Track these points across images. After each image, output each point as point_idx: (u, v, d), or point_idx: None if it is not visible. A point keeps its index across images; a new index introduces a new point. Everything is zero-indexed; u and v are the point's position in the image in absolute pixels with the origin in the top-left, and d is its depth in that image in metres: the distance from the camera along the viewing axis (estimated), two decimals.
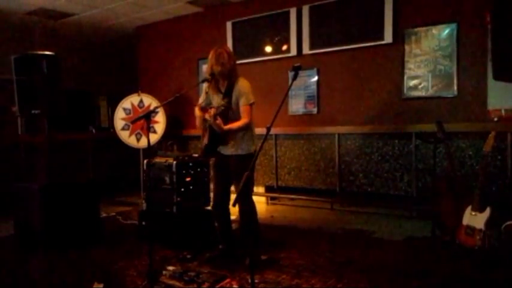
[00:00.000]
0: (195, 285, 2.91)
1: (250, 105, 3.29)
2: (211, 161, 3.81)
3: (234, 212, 3.45)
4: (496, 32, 3.13)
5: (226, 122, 3.22)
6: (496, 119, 4.23)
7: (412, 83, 4.72)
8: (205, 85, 3.49)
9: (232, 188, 3.53)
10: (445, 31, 4.51)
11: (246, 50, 5.80)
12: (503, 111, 4.20)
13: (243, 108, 3.27)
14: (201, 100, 3.57)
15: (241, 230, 3.49)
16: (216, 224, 3.60)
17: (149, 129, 3.06)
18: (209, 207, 4.06)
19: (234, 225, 3.77)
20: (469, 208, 3.41)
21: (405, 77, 4.76)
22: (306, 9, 5.30)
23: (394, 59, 4.83)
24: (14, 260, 3.71)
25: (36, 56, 4.00)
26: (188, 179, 3.95)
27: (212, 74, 3.28)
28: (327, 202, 5.38)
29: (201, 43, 6.27)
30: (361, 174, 5.08)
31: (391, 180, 4.89)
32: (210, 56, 3.30)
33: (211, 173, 3.91)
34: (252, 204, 3.35)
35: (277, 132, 5.59)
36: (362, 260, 3.44)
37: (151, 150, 4.61)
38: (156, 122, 5.95)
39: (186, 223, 3.86)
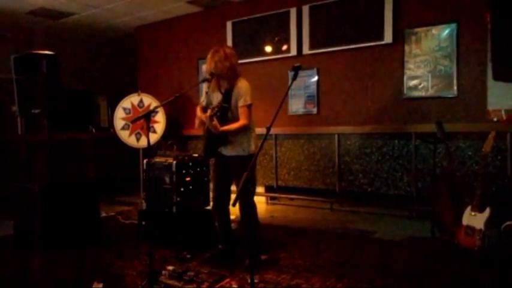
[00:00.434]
0: (195, 285, 2.91)
1: (248, 106, 3.28)
2: (211, 160, 3.81)
3: (234, 211, 3.45)
4: (495, 32, 3.13)
5: (224, 123, 3.22)
6: (495, 119, 4.23)
7: (412, 83, 4.72)
8: (205, 85, 3.49)
9: (233, 188, 3.53)
10: (445, 31, 4.51)
11: (246, 49, 5.80)
12: (503, 112, 4.20)
13: (241, 110, 3.26)
14: (201, 100, 3.57)
15: (241, 230, 3.49)
16: (215, 224, 3.59)
17: (149, 129, 3.06)
18: (209, 207, 4.06)
19: (234, 225, 3.77)
20: (469, 208, 3.41)
21: (405, 77, 4.77)
22: (306, 9, 5.31)
23: (394, 59, 4.83)
24: (13, 260, 3.71)
25: (36, 55, 4.00)
26: (188, 179, 3.95)
27: (212, 74, 3.27)
28: (326, 202, 5.38)
29: (201, 43, 6.27)
30: (361, 174, 5.08)
31: (390, 180, 4.89)
32: (208, 55, 3.30)
33: (211, 172, 3.91)
34: (252, 205, 3.34)
35: (277, 132, 5.59)
36: (362, 260, 3.44)
37: (151, 150, 4.62)
38: (156, 122, 5.95)
39: (185, 223, 3.86)
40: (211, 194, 3.85)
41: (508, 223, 3.25)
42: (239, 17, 5.89)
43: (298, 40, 5.40)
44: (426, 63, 4.63)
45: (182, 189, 3.89)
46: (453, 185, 3.77)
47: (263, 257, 3.40)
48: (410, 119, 4.75)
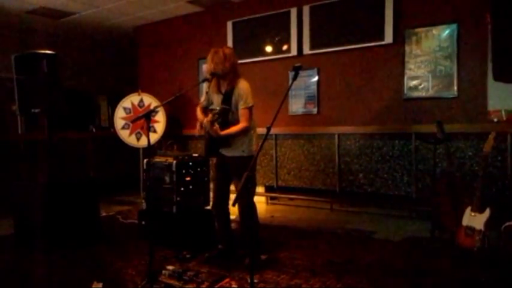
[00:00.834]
0: (194, 285, 2.91)
1: (249, 108, 3.28)
2: (212, 160, 3.81)
3: (234, 211, 3.45)
4: (496, 33, 3.13)
5: (226, 125, 3.22)
6: (496, 120, 4.23)
7: (413, 83, 4.72)
8: (205, 85, 3.49)
9: (233, 188, 3.53)
10: (445, 32, 4.51)
11: (247, 50, 5.80)
12: (503, 112, 4.20)
13: (242, 112, 3.26)
14: (202, 99, 3.57)
15: (241, 230, 3.50)
16: (215, 224, 3.59)
17: (149, 129, 3.06)
18: (209, 207, 4.06)
19: (234, 225, 3.77)
20: (469, 209, 3.41)
21: (405, 78, 4.76)
22: (306, 9, 5.31)
23: (394, 59, 4.83)
24: (13, 258, 3.71)
25: (37, 55, 4.00)
26: (188, 179, 3.95)
27: (212, 74, 3.27)
28: (326, 202, 5.38)
29: (202, 43, 6.27)
30: (361, 175, 5.08)
31: (391, 180, 4.89)
32: (207, 57, 3.31)
33: (211, 172, 3.91)
34: (252, 205, 3.34)
35: (277, 132, 5.59)
36: (361, 260, 3.44)
37: (151, 150, 4.62)
38: (156, 122, 5.95)
39: (185, 223, 3.86)
40: (211, 194, 3.85)
41: (508, 224, 3.25)
42: (239, 17, 5.89)
43: (298, 40, 5.40)
44: (426, 63, 4.63)
45: (182, 189, 3.89)
46: (453, 186, 3.77)
47: (263, 257, 3.40)
48: (411, 119, 4.75)
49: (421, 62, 4.66)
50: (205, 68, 3.34)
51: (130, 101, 5.89)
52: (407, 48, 4.74)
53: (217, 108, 3.21)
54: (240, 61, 5.00)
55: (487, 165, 3.47)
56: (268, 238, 3.95)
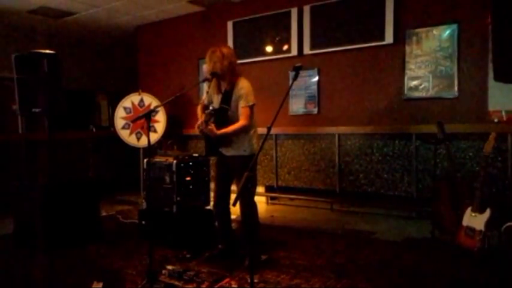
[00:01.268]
0: (195, 285, 2.92)
1: (250, 107, 3.27)
2: (212, 160, 3.81)
3: (235, 211, 3.45)
4: (496, 33, 3.13)
5: (224, 124, 3.21)
6: (496, 120, 4.22)
7: (413, 83, 4.72)
8: (206, 84, 3.49)
9: (234, 188, 3.53)
10: (445, 32, 4.51)
11: (247, 49, 5.80)
12: (503, 113, 4.20)
13: (242, 110, 3.26)
14: (203, 98, 3.57)
15: (242, 229, 3.49)
16: (216, 224, 3.59)
17: (149, 129, 3.06)
18: (209, 207, 4.06)
19: (234, 225, 3.77)
20: (469, 209, 3.41)
21: (406, 78, 4.76)
22: (307, 9, 5.30)
23: (394, 59, 4.82)
24: (13, 258, 3.71)
25: (37, 54, 3.99)
26: (188, 179, 3.95)
27: (212, 73, 3.27)
28: (326, 202, 5.38)
29: (202, 43, 6.26)
30: (361, 175, 5.08)
31: (391, 180, 4.89)
32: (206, 57, 3.31)
33: (212, 172, 3.91)
34: (253, 205, 3.34)
35: (278, 132, 5.59)
36: (361, 260, 3.44)
37: (151, 150, 4.62)
38: (157, 121, 5.95)
39: (185, 222, 3.86)
40: (212, 194, 3.85)
41: (508, 224, 3.25)
42: (240, 16, 5.89)
43: (299, 40, 5.40)
44: (427, 63, 4.63)
45: (182, 188, 3.89)
46: (453, 186, 3.77)
47: (263, 257, 3.40)
48: (411, 119, 4.75)
49: (421, 62, 4.66)
50: (205, 68, 3.34)
51: (131, 100, 5.89)
52: (407, 49, 4.73)
53: (214, 107, 3.21)
54: (240, 61, 5.00)
55: (487, 166, 3.47)
56: (268, 238, 3.95)
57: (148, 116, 2.99)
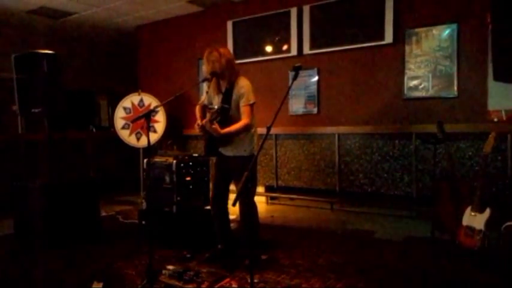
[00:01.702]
0: (195, 285, 2.92)
1: (251, 105, 3.27)
2: (212, 160, 3.81)
3: (235, 211, 3.45)
4: (496, 33, 3.13)
5: (226, 123, 3.22)
6: (496, 120, 4.23)
7: (413, 83, 4.72)
8: (206, 84, 3.49)
9: (233, 188, 3.53)
10: (445, 32, 4.51)
11: (247, 49, 5.80)
12: (503, 112, 4.20)
13: (243, 109, 3.25)
14: (203, 98, 3.57)
15: (242, 229, 3.49)
16: (214, 224, 3.58)
17: (149, 129, 3.06)
18: (209, 207, 4.05)
19: (234, 225, 3.77)
20: (469, 209, 3.41)
21: (405, 78, 4.77)
22: (306, 9, 5.31)
23: (394, 59, 4.83)
24: (13, 258, 3.71)
25: (37, 54, 4.00)
26: (188, 179, 3.95)
27: (212, 73, 3.27)
28: (326, 202, 5.38)
29: (202, 42, 6.26)
30: (361, 175, 5.09)
31: (391, 180, 4.89)
32: (203, 58, 3.31)
33: (212, 172, 3.91)
34: (253, 205, 3.34)
35: (278, 132, 5.59)
36: (362, 260, 3.44)
37: (151, 150, 4.61)
38: (156, 122, 5.95)
39: (185, 222, 3.86)
40: (210, 194, 3.85)
41: (508, 223, 3.25)
42: (239, 16, 5.89)
43: (298, 40, 5.40)
44: (427, 63, 4.63)
45: (182, 188, 3.89)
46: (453, 186, 3.77)
47: (263, 257, 3.40)
48: (411, 119, 4.75)
49: (421, 62, 4.67)
50: (204, 69, 3.33)
51: (131, 100, 5.89)
52: (407, 48, 4.74)
53: (219, 106, 3.21)
54: (240, 61, 5.00)
55: (487, 165, 3.47)
56: (268, 238, 3.95)
57: (148, 116, 2.99)
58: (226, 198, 3.50)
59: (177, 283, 2.93)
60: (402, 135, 4.81)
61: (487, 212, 3.29)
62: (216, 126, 3.11)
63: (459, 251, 3.37)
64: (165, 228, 3.88)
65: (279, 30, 5.57)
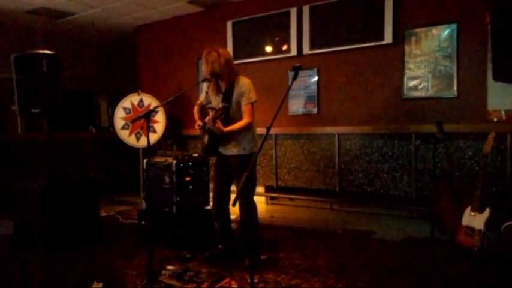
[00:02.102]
0: (195, 285, 2.91)
1: (252, 103, 3.28)
2: (211, 160, 3.81)
3: (235, 211, 3.45)
4: (495, 33, 3.13)
5: (227, 123, 3.22)
6: (495, 120, 4.23)
7: (412, 83, 4.73)
8: (205, 85, 3.50)
9: (233, 188, 3.53)
10: (445, 32, 4.51)
11: (246, 50, 5.80)
12: (503, 112, 4.20)
13: (245, 108, 3.26)
14: (201, 98, 3.57)
15: (241, 229, 3.49)
16: (215, 224, 3.59)
17: (149, 129, 3.06)
18: (209, 207, 4.06)
19: (234, 225, 3.77)
20: (469, 209, 3.41)
21: (405, 78, 4.77)
22: (306, 9, 5.31)
23: (394, 59, 4.83)
24: (13, 259, 3.70)
25: (36, 55, 4.00)
26: (188, 179, 3.95)
27: (212, 74, 3.27)
28: (326, 202, 5.38)
29: (201, 43, 6.24)
30: (361, 175, 5.09)
31: (390, 180, 4.89)
32: (202, 59, 3.31)
33: (212, 172, 3.91)
34: (252, 205, 3.34)
35: (277, 132, 5.59)
36: (361, 260, 3.44)
37: (151, 150, 4.61)
38: (156, 122, 5.95)
39: (185, 223, 3.86)
40: (211, 194, 3.85)
41: (507, 223, 3.26)
42: (239, 16, 5.89)
43: (298, 40, 5.40)
44: (426, 63, 4.63)
45: (182, 189, 3.89)
46: (453, 186, 3.77)
47: (263, 257, 3.40)
48: (411, 119, 4.76)
49: (420, 62, 4.67)
50: (204, 69, 3.34)
51: (130, 101, 5.89)
52: (407, 48, 4.74)
53: (219, 106, 3.21)
54: (239, 61, 4.99)
55: (486, 165, 3.48)
56: (268, 238, 3.95)
57: (148, 116, 2.99)
58: (228, 199, 3.50)
59: (177, 283, 2.93)
60: (402, 135, 4.81)
61: (487, 212, 3.29)
62: (219, 124, 3.12)
63: (459, 251, 3.38)
64: (165, 228, 3.88)
65: (278, 31, 5.57)
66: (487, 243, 3.25)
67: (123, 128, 5.83)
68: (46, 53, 3.98)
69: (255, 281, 2.92)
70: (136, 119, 3.32)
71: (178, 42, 6.71)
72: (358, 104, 5.11)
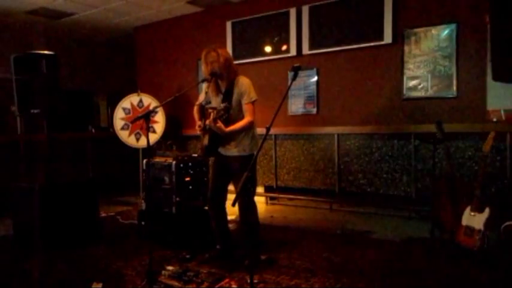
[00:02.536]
0: (194, 285, 2.91)
1: (253, 102, 3.28)
2: (211, 160, 3.81)
3: (234, 211, 3.45)
4: (495, 33, 3.14)
5: (227, 123, 3.22)
6: (495, 120, 4.23)
7: (412, 83, 4.73)
8: (205, 85, 3.49)
9: (233, 188, 3.52)
10: (444, 31, 4.52)
11: (246, 50, 5.80)
12: (502, 112, 4.21)
13: (246, 107, 3.26)
14: (200, 98, 3.57)
15: (241, 229, 3.49)
16: (212, 224, 3.56)
17: (148, 129, 3.06)
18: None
19: (233, 225, 3.77)
20: (468, 208, 3.41)
21: (405, 78, 4.77)
22: (305, 10, 5.31)
23: (393, 59, 4.83)
24: (12, 259, 3.70)
25: (36, 55, 4.00)
26: (187, 179, 3.95)
27: (211, 74, 3.27)
28: (326, 202, 5.38)
29: (201, 43, 6.25)
30: (361, 175, 5.09)
31: (390, 180, 4.89)
32: (201, 59, 3.31)
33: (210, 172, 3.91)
34: (252, 205, 3.34)
35: (277, 132, 5.59)
36: (361, 260, 3.44)
37: (150, 150, 4.61)
38: (156, 122, 5.95)
39: (185, 223, 3.86)
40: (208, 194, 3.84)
41: (507, 223, 3.26)
42: (239, 17, 5.89)
43: (297, 40, 5.40)
44: (426, 63, 4.63)
45: (182, 189, 3.89)
46: (453, 185, 3.77)
47: (263, 257, 3.40)
48: (410, 119, 4.76)
49: (420, 62, 4.67)
50: (203, 69, 3.33)
51: (130, 101, 5.89)
52: (406, 48, 4.74)
53: (220, 106, 3.21)
54: (239, 61, 4.98)
55: (486, 165, 3.47)
56: (268, 238, 3.95)
57: (148, 116, 2.99)
58: (224, 199, 3.49)
59: (176, 283, 2.93)
60: (401, 135, 4.81)
61: (487, 211, 3.29)
62: (220, 124, 3.11)
63: (458, 251, 3.38)
64: (164, 228, 3.88)
65: (278, 31, 5.57)
66: (486, 243, 3.25)
67: (122, 128, 5.83)
68: (45, 54, 3.98)
69: (255, 281, 2.92)
70: (135, 119, 3.31)
71: (178, 43, 6.71)
72: (357, 104, 5.11)
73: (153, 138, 5.90)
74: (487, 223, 3.27)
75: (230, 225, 3.67)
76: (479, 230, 3.27)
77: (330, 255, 3.58)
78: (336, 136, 5.23)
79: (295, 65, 2.67)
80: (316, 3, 5.23)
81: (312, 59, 5.36)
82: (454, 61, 4.46)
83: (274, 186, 5.78)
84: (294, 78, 2.68)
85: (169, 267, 3.15)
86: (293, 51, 5.44)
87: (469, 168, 4.38)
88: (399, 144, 4.83)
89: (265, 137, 2.37)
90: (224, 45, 5.76)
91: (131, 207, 5.74)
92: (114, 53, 8.32)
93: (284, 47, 5.54)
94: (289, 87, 2.85)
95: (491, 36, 3.25)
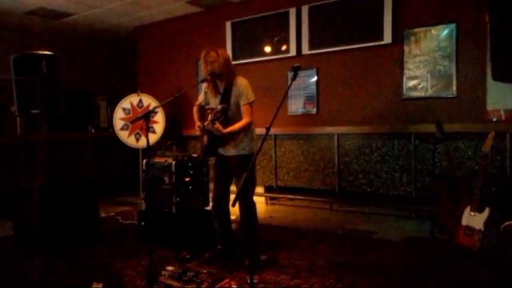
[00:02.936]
0: (194, 285, 2.91)
1: (251, 103, 3.28)
2: (211, 161, 3.81)
3: (234, 212, 3.45)
4: (494, 33, 3.14)
5: (226, 123, 3.22)
6: (495, 119, 4.23)
7: (412, 83, 4.73)
8: (204, 85, 3.50)
9: (233, 188, 3.52)
10: (444, 31, 4.51)
11: (246, 50, 5.80)
12: (502, 112, 4.21)
13: (244, 108, 3.26)
14: (200, 99, 3.57)
15: (241, 230, 3.49)
16: (215, 224, 3.59)
17: (148, 130, 3.06)
18: (208, 208, 4.06)
19: (234, 225, 3.77)
20: (468, 208, 3.41)
21: (404, 78, 4.77)
22: (305, 10, 5.31)
23: (393, 59, 4.83)
24: (12, 260, 3.70)
25: (36, 55, 4.00)
26: (187, 179, 3.95)
27: (211, 74, 3.27)
28: (326, 202, 5.38)
29: (201, 43, 6.25)
30: (361, 175, 5.09)
31: (390, 180, 4.89)
32: (201, 60, 3.31)
33: (211, 173, 3.91)
34: (252, 205, 3.34)
35: (277, 132, 5.59)
36: (361, 260, 3.44)
37: (150, 150, 4.61)
38: (156, 122, 5.94)
39: (185, 223, 3.86)
40: (211, 195, 3.85)
41: (507, 223, 3.26)
42: (238, 17, 5.89)
43: (297, 40, 5.40)
44: (425, 63, 4.63)
45: (181, 189, 3.89)
46: (452, 185, 3.77)
47: (263, 257, 3.40)
48: (410, 119, 4.76)
49: (420, 62, 4.67)
50: (203, 70, 3.33)
51: (130, 101, 5.89)
52: (406, 48, 4.74)
53: (218, 107, 3.21)
54: (239, 61, 4.98)
55: (486, 165, 3.47)
56: (268, 238, 3.95)
57: (147, 116, 2.99)
58: (228, 199, 3.49)
59: (176, 284, 2.93)
60: (401, 135, 4.81)
61: (486, 211, 3.30)
62: (218, 125, 3.12)
63: (458, 251, 3.38)
64: (164, 228, 3.88)
65: (278, 31, 5.56)
66: (486, 243, 3.25)
67: (122, 128, 5.82)
68: (45, 54, 3.98)
69: (255, 281, 2.92)
70: (135, 119, 3.33)
71: (177, 43, 6.71)
72: (357, 104, 5.11)
73: (153, 138, 5.90)
74: (487, 223, 3.27)
75: (232, 225, 3.66)
76: (479, 230, 3.28)
77: (330, 255, 3.58)
78: (335, 136, 5.23)
79: (295, 65, 2.67)
80: (316, 3, 5.23)
81: (312, 59, 5.36)
82: (454, 61, 4.46)
83: (274, 186, 5.78)
84: (294, 78, 2.69)
85: (169, 268, 3.15)
86: (293, 51, 5.44)
87: (469, 168, 4.37)
88: (399, 144, 4.83)
89: (265, 137, 2.37)
90: (224, 46, 5.77)
91: (131, 207, 5.74)
92: (114, 53, 8.32)
93: (284, 47, 5.54)
94: (289, 87, 2.85)
95: (491, 36, 3.25)
